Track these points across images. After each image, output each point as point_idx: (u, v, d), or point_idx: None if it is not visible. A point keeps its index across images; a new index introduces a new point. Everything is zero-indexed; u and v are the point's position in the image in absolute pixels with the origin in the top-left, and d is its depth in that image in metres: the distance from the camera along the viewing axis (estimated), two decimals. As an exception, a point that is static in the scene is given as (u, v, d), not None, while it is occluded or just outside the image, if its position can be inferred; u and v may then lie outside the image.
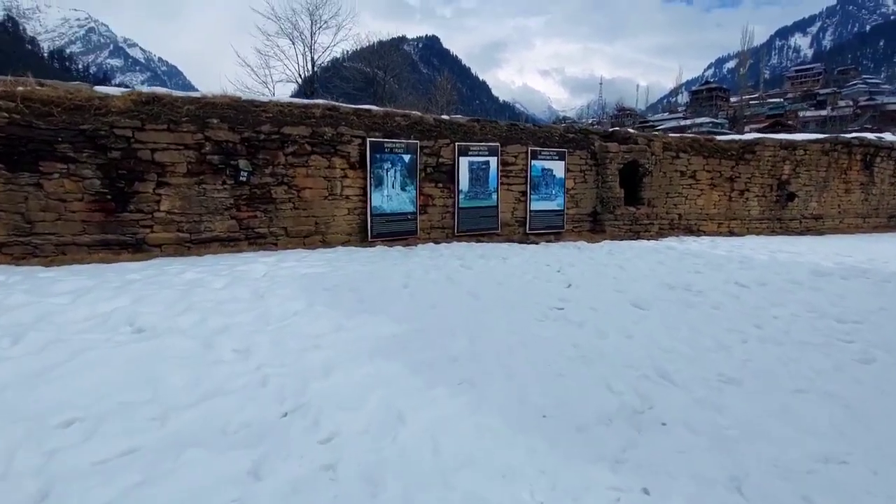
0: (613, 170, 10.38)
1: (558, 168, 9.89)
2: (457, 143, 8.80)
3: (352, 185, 8.04)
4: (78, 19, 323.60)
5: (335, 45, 22.41)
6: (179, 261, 5.86)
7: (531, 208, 9.69)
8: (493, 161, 9.17)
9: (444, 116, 9.59)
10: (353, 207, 8.12)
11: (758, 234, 12.54)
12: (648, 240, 10.30)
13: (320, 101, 8.13)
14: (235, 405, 2.38)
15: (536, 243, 9.26)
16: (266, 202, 7.46)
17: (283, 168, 7.47)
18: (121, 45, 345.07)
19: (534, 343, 3.35)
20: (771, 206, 12.79)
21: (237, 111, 7.24)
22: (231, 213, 7.26)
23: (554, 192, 9.92)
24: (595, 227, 10.59)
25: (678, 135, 12.89)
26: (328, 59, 26.07)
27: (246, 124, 7.15)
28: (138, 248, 6.83)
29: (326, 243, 7.96)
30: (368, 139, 7.93)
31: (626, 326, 3.81)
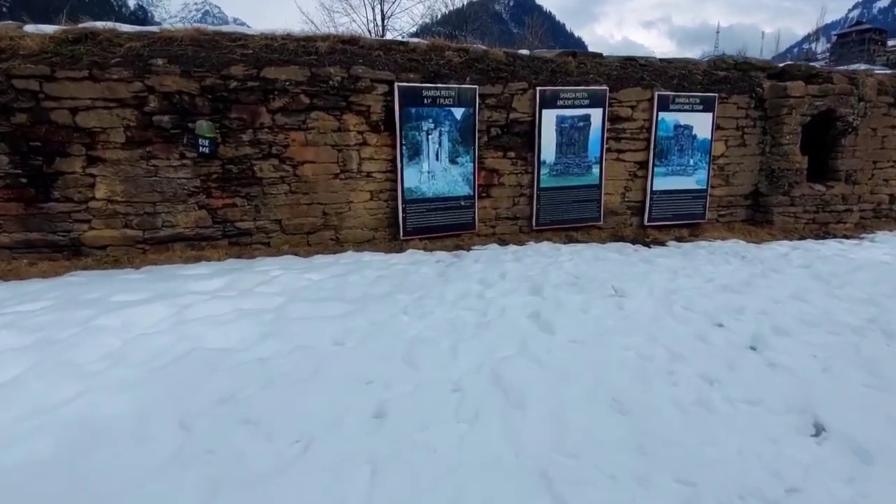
0: (793, 125, 6.56)
1: (701, 124, 6.34)
2: (539, 89, 5.68)
3: (375, 155, 5.35)
4: (196, 3, 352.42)
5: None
6: (78, 283, 3.66)
7: (654, 187, 6.33)
8: (596, 115, 5.92)
9: (523, 51, 6.45)
10: (378, 190, 5.46)
11: None
12: (847, 237, 6.45)
13: (330, 32, 5.46)
14: None
15: (662, 244, 5.96)
16: (248, 183, 5.06)
17: (270, 132, 4.98)
18: (231, 24, 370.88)
19: None
20: None
21: (199, 47, 4.81)
22: (198, 199, 4.97)
23: (692, 161, 6.42)
24: (755, 215, 6.92)
25: (891, 71, 8.41)
26: (409, 26, 23.39)
27: (208, 66, 4.70)
28: (75, 251, 4.83)
29: (340, 243, 5.44)
30: (398, 84, 5.12)
31: None
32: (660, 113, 6.16)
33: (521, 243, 5.61)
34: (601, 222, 6.25)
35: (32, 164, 4.52)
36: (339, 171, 5.27)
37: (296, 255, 4.98)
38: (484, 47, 6.00)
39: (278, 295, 3.32)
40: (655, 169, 6.27)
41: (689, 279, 3.96)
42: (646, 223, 6.41)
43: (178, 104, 4.67)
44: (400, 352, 2.42)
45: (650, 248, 5.72)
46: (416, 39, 5.83)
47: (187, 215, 4.99)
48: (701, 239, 6.21)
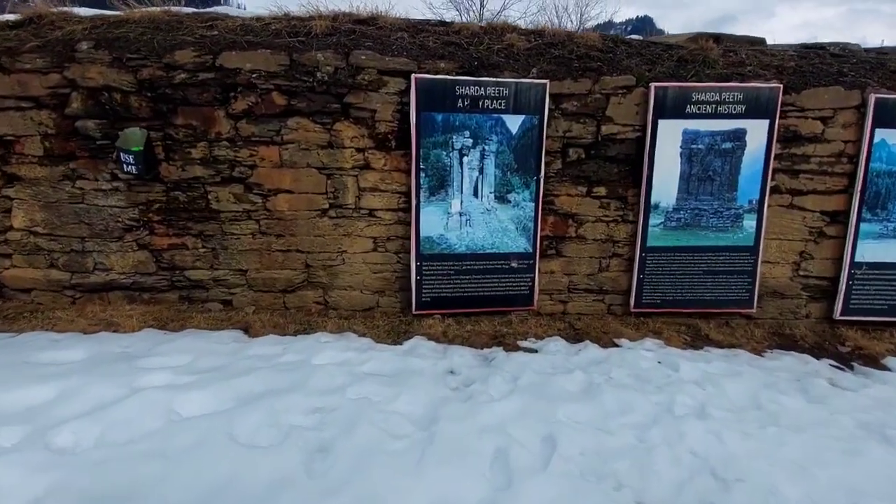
0: None
1: (960, 150, 3.59)
2: (654, 86, 3.46)
3: (381, 185, 3.54)
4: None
5: (506, 9, 17.55)
6: None
7: (857, 256, 3.68)
8: (756, 130, 3.52)
9: (634, 36, 4.28)
10: (386, 236, 3.63)
11: None
12: None
13: (339, 10, 3.82)
14: None
15: (874, 360, 3.28)
16: (201, 217, 3.54)
17: (230, 147, 3.43)
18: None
19: None
20: None
21: (150, 29, 3.44)
22: (137, 236, 3.56)
23: (936, 215, 3.66)
24: None
25: None
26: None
27: (146, 52, 3.29)
28: (-3, 294, 3.68)
29: (329, 308, 3.70)
30: (415, 76, 3.28)
31: None
32: (876, 130, 3.56)
33: (606, 339, 3.36)
34: (753, 309, 3.74)
35: (-61, 180, 3.45)
36: (327, 205, 3.54)
37: (245, 331, 3.31)
38: (567, 30, 3.96)
39: (36, 481, 1.58)
40: (862, 225, 3.63)
41: None
42: (837, 316, 3.74)
43: (108, 105, 3.32)
44: None
45: (853, 370, 3.12)
46: (462, 21, 4.00)
47: (124, 257, 3.60)
48: (954, 356, 3.40)
